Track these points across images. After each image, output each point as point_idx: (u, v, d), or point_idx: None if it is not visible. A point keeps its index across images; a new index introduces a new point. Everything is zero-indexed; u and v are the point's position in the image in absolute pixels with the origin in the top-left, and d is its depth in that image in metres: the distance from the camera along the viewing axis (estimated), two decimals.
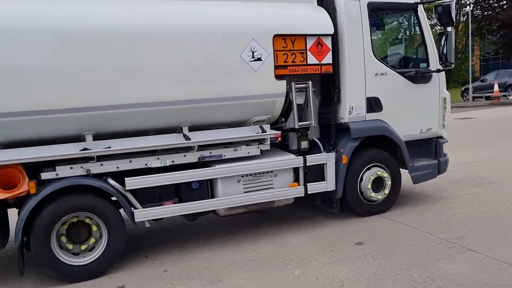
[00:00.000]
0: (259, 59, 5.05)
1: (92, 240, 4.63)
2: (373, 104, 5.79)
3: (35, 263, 4.42)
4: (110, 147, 4.62)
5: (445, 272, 4.10)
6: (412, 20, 6.41)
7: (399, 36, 7.05)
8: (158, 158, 4.80)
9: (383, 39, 6.89)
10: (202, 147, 5.01)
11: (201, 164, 5.01)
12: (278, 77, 5.18)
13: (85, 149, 4.51)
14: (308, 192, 5.46)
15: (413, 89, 6.04)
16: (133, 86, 4.59)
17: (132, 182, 4.61)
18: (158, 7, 4.73)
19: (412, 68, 6.16)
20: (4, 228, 4.66)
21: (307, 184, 5.45)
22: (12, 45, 4.11)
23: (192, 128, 5.01)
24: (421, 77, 6.06)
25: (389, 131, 5.88)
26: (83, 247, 4.62)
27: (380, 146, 5.99)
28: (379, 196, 5.88)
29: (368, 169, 5.84)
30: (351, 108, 5.67)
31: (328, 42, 5.43)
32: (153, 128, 4.89)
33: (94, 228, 4.62)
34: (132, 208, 4.64)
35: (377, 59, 5.81)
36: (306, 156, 5.45)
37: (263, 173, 5.26)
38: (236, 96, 5.04)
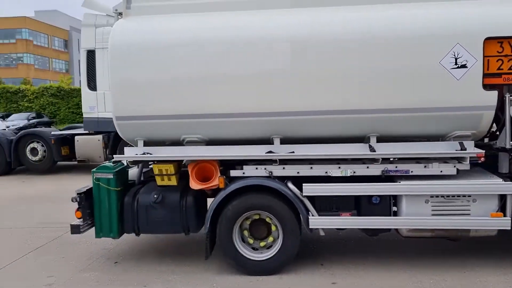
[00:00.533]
0: (463, 66, 4.40)
1: (271, 238, 4.86)
2: None
3: (220, 251, 4.89)
4: (293, 152, 4.74)
5: None
6: None
7: None
8: (339, 167, 4.70)
9: None
10: (387, 160, 4.69)
11: (384, 178, 4.68)
12: (487, 86, 4.43)
13: (270, 152, 4.74)
14: None
15: None
16: (319, 93, 4.61)
17: (310, 189, 4.63)
18: (360, 13, 4.59)
19: None
20: (202, 215, 5.30)
21: None
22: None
23: (380, 139, 4.73)
24: None
25: None
26: (262, 243, 4.90)
27: None
28: None
29: None
30: None
31: None
32: (340, 136, 4.79)
33: (273, 227, 4.84)
34: (309, 215, 4.68)
35: None
36: None
37: (458, 196, 4.58)
38: (432, 107, 4.53)
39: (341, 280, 4.56)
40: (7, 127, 16.60)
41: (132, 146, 5.09)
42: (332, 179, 4.71)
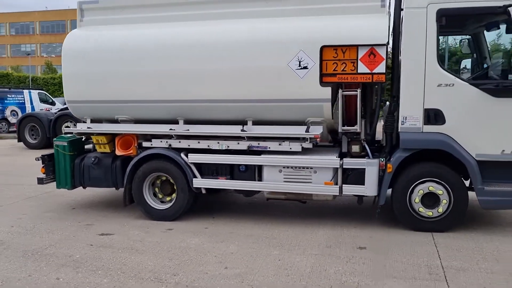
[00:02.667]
0: (305, 67, 5.75)
1: (174, 195, 6.50)
2: (433, 116, 5.51)
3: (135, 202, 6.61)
4: (188, 130, 6.34)
5: None
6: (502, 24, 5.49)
7: (487, 43, 5.93)
8: (218, 143, 6.23)
9: (467, 48, 5.94)
10: (254, 139, 6.13)
11: (251, 152, 6.13)
12: (324, 84, 5.73)
13: (171, 129, 6.37)
14: (343, 193, 5.83)
15: (493, 103, 5.35)
16: (205, 86, 6.15)
17: (193, 157, 6.24)
18: (226, 25, 6.08)
19: (498, 80, 5.40)
20: None
21: (344, 185, 5.81)
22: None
23: (256, 123, 6.19)
24: (506, 89, 5.29)
25: (450, 146, 5.48)
26: (168, 198, 6.57)
27: (448, 162, 5.61)
28: (429, 213, 5.61)
29: (422, 182, 5.63)
30: (404, 118, 5.60)
31: (382, 51, 5.54)
32: (225, 119, 6.30)
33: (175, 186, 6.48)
34: (194, 177, 6.27)
35: (444, 69, 5.46)
36: (344, 159, 5.80)
37: (303, 167, 5.95)
38: (286, 99, 5.91)
39: (213, 227, 6.13)
40: (50, 108, 19.60)
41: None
42: (215, 152, 6.25)
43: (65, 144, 6.89)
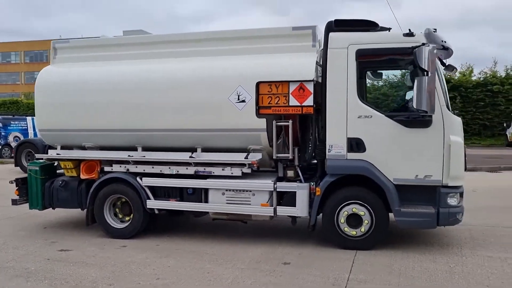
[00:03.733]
0: (243, 101, 6.43)
1: (132, 215, 7.14)
2: (355, 145, 6.12)
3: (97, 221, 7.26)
4: (144, 156, 7.03)
5: None
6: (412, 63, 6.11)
7: (399, 79, 6.56)
8: (169, 168, 6.89)
9: (386, 83, 6.56)
10: (200, 164, 6.78)
11: (199, 176, 6.77)
12: (260, 115, 6.39)
13: (129, 156, 7.06)
14: (278, 214, 6.42)
15: (406, 133, 5.96)
16: (158, 117, 6.86)
17: (147, 181, 6.91)
18: (174, 64, 6.83)
19: (410, 112, 6.02)
20: None
21: (278, 206, 6.41)
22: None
23: (204, 150, 6.86)
24: (416, 121, 5.90)
25: (369, 171, 6.06)
26: (127, 218, 7.21)
27: (371, 186, 6.18)
28: (353, 232, 6.17)
29: (348, 204, 6.20)
30: (331, 147, 6.22)
31: (310, 87, 6.22)
32: (178, 146, 6.98)
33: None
34: (148, 198, 6.92)
35: (363, 102, 6.11)
36: (278, 183, 6.41)
37: (243, 190, 6.57)
38: (228, 128, 6.59)
39: (164, 244, 6.73)
40: None
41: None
42: (167, 176, 6.91)
43: (37, 168, 7.60)
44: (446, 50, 6.28)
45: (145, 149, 7.13)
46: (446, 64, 7.42)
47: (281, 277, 5.28)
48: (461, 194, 6.13)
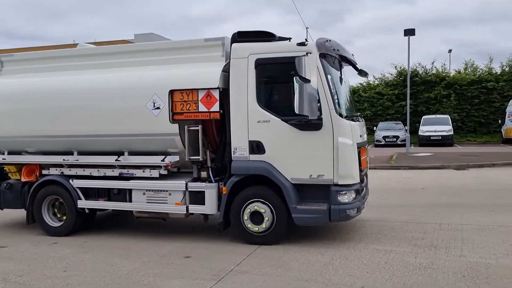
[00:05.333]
0: (158, 108, 6.97)
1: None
2: (255, 147, 6.61)
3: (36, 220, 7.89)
4: (78, 160, 7.64)
5: None
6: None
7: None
8: (98, 170, 7.49)
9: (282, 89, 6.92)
10: (123, 167, 7.35)
11: (125, 178, 7.34)
12: (174, 121, 6.92)
13: (64, 159, 7.68)
14: (190, 211, 6.95)
15: (299, 135, 6.42)
16: (88, 123, 7.45)
17: (77, 182, 7.52)
18: (98, 74, 7.42)
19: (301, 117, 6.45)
20: None
21: (190, 205, 6.93)
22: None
23: (131, 153, 7.42)
24: (307, 124, 6.34)
25: (268, 172, 6.54)
26: (65, 217, 7.82)
27: (273, 185, 6.65)
28: (255, 228, 6.65)
29: (252, 202, 6.69)
30: (235, 149, 6.72)
31: (216, 94, 6.73)
32: (108, 150, 7.56)
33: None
34: (80, 199, 7.53)
35: (262, 108, 6.58)
36: (189, 183, 6.94)
37: (160, 191, 7.12)
38: (147, 133, 7.14)
39: (92, 241, 7.32)
40: None
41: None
42: (96, 178, 7.49)
43: None
44: (341, 58, 6.73)
45: (81, 153, 7.73)
46: (359, 69, 7.89)
47: (173, 269, 5.80)
48: (357, 191, 6.57)
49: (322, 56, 6.49)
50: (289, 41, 6.76)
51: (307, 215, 6.45)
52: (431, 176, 13.94)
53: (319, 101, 6.32)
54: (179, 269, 5.78)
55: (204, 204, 6.88)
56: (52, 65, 7.93)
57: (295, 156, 6.51)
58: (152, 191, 7.18)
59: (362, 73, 7.97)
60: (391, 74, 34.16)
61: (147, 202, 7.21)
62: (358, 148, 6.67)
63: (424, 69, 32.78)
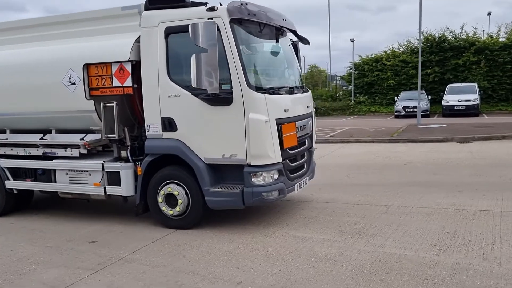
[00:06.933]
0: (73, 84, 6.54)
1: None
2: (167, 124, 6.08)
3: None
4: (7, 139, 7.38)
5: None
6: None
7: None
8: (24, 150, 7.20)
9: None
10: (47, 146, 7.02)
11: (50, 157, 7.01)
12: (91, 97, 6.48)
13: None
14: (107, 193, 6.55)
15: (210, 111, 5.83)
16: (13, 101, 7.13)
17: (3, 162, 7.29)
18: (18, 49, 7.05)
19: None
20: None
21: (108, 186, 6.54)
22: None
23: (58, 131, 7.08)
24: (217, 99, 5.73)
25: (180, 151, 6.02)
26: None
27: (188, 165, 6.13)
28: (170, 212, 6.18)
29: (167, 184, 6.21)
30: (149, 126, 6.22)
31: (128, 67, 6.20)
32: (36, 129, 7.23)
33: None
34: (8, 179, 7.30)
35: (172, 81, 5.99)
36: (105, 163, 6.52)
37: (81, 171, 6.75)
38: (66, 111, 6.74)
39: (19, 223, 7.11)
40: None
41: None
42: (23, 158, 7.22)
43: None
44: (257, 22, 6.01)
45: (13, 131, 7.47)
46: (299, 36, 7.16)
47: (65, 256, 5.45)
48: (280, 172, 5.96)
49: (237, 21, 5.81)
50: (205, 6, 6.09)
51: (220, 198, 5.91)
52: (425, 150, 12.90)
53: (230, 72, 5.68)
54: (70, 256, 5.43)
55: (119, 185, 6.47)
56: None
57: (207, 134, 5.93)
58: (74, 171, 6.83)
59: (303, 40, 7.20)
60: (417, 40, 32.19)
61: (70, 183, 6.88)
62: (284, 123, 6.02)
63: (453, 34, 30.63)
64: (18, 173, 7.36)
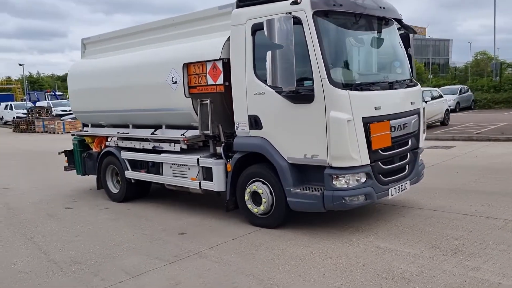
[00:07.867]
0: (175, 82, 6.92)
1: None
2: (253, 122, 6.03)
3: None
4: (128, 133, 8.19)
5: None
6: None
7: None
8: (140, 143, 7.88)
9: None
10: (156, 140, 7.56)
11: (159, 151, 7.55)
12: (190, 95, 6.79)
13: (118, 132, 8.31)
14: (202, 188, 6.77)
15: (293, 109, 5.59)
16: (134, 98, 7.87)
17: (123, 154, 8.06)
18: (134, 53, 7.71)
19: (298, 87, 5.51)
20: None
21: (202, 181, 6.76)
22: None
23: (168, 127, 7.61)
24: (298, 96, 5.45)
25: (264, 149, 5.92)
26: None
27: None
28: (255, 210, 6.13)
29: (254, 182, 6.17)
30: (237, 124, 6.25)
31: (220, 65, 6.34)
32: (149, 124, 7.87)
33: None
34: (127, 169, 8.08)
35: (258, 79, 5.89)
36: (201, 158, 6.73)
37: (181, 165, 7.12)
38: (172, 108, 7.18)
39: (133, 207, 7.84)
40: None
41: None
42: (139, 150, 7.91)
43: (76, 142, 9.53)
44: (348, 13, 5.56)
45: (135, 126, 8.25)
46: (403, 24, 6.50)
47: (153, 245, 5.81)
48: (368, 175, 5.49)
49: (322, 14, 5.46)
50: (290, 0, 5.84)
51: (301, 200, 5.67)
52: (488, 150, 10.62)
53: (312, 68, 5.38)
54: (157, 245, 5.78)
55: (212, 181, 6.65)
56: (117, 44, 8.56)
57: (290, 133, 5.73)
58: (176, 165, 7.25)
59: (408, 29, 6.45)
60: None
61: (173, 176, 7.32)
62: (374, 122, 5.51)
63: None
64: (135, 165, 8.09)
